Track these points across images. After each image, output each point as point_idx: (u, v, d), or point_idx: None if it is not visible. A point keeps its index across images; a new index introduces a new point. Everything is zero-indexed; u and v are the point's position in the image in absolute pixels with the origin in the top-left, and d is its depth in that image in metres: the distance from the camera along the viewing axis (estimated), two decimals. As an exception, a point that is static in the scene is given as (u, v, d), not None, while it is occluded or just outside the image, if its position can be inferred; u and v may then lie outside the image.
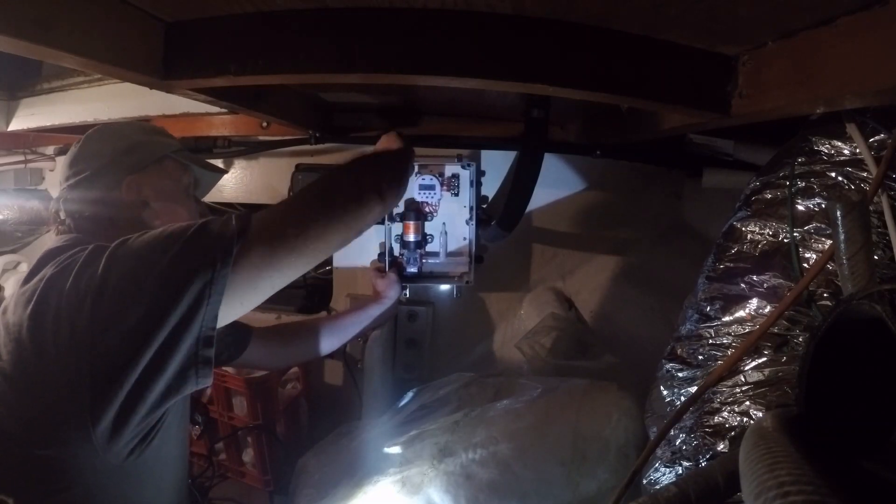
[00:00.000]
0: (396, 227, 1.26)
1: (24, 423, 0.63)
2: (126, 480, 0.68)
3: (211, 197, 1.55)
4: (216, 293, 0.63)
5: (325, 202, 0.75)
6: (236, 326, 1.08)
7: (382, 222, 1.26)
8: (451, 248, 1.29)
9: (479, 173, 1.26)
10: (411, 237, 1.25)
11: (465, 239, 1.27)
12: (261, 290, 0.69)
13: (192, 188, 0.98)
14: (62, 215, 0.86)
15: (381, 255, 1.28)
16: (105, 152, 0.88)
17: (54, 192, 0.89)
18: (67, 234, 0.84)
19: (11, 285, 1.66)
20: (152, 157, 0.91)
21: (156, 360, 0.62)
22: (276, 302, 1.56)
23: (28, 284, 0.69)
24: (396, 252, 1.28)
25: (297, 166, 1.45)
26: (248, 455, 1.43)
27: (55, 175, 1.79)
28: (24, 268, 1.75)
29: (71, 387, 0.60)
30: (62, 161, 0.91)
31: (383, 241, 1.28)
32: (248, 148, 1.49)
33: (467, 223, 1.26)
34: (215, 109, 1.34)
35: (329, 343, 1.24)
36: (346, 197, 0.77)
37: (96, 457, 0.63)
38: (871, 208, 0.71)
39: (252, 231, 0.67)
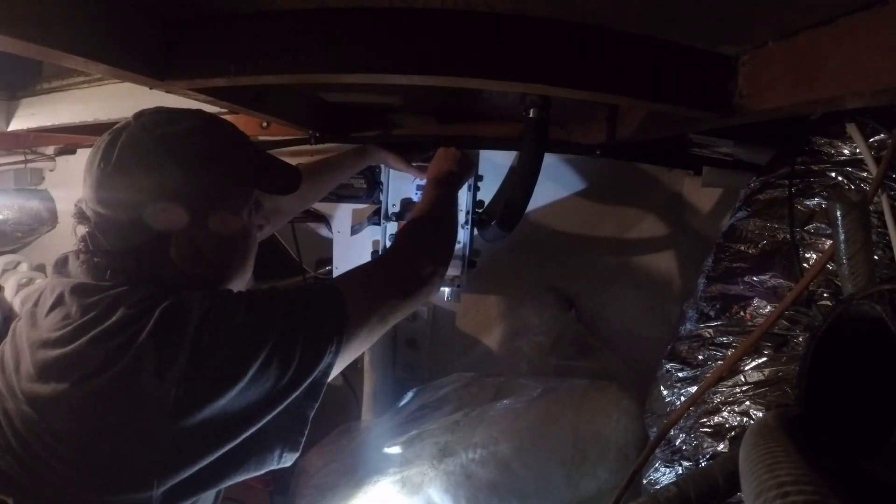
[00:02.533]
0: (392, 227, 1.26)
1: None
2: None
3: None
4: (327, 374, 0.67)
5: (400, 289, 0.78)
6: None
7: (378, 223, 1.26)
8: (444, 250, 1.28)
9: (477, 177, 1.26)
10: None
11: (459, 242, 1.27)
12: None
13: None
14: (86, 238, 0.64)
15: (375, 253, 1.28)
16: (212, 164, 0.65)
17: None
18: (97, 267, 0.63)
19: (11, 285, 1.66)
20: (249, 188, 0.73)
21: (246, 443, 0.65)
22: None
23: (62, 331, 0.58)
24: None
25: (297, 166, 1.45)
26: (248, 455, 1.43)
27: (56, 175, 1.78)
28: (24, 268, 1.75)
29: (144, 461, 0.57)
30: (100, 143, 0.64)
31: (377, 239, 1.28)
32: (248, 148, 1.49)
33: (462, 227, 1.25)
34: (215, 109, 1.34)
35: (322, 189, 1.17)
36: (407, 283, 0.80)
37: None
38: (871, 208, 0.71)
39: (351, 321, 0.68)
